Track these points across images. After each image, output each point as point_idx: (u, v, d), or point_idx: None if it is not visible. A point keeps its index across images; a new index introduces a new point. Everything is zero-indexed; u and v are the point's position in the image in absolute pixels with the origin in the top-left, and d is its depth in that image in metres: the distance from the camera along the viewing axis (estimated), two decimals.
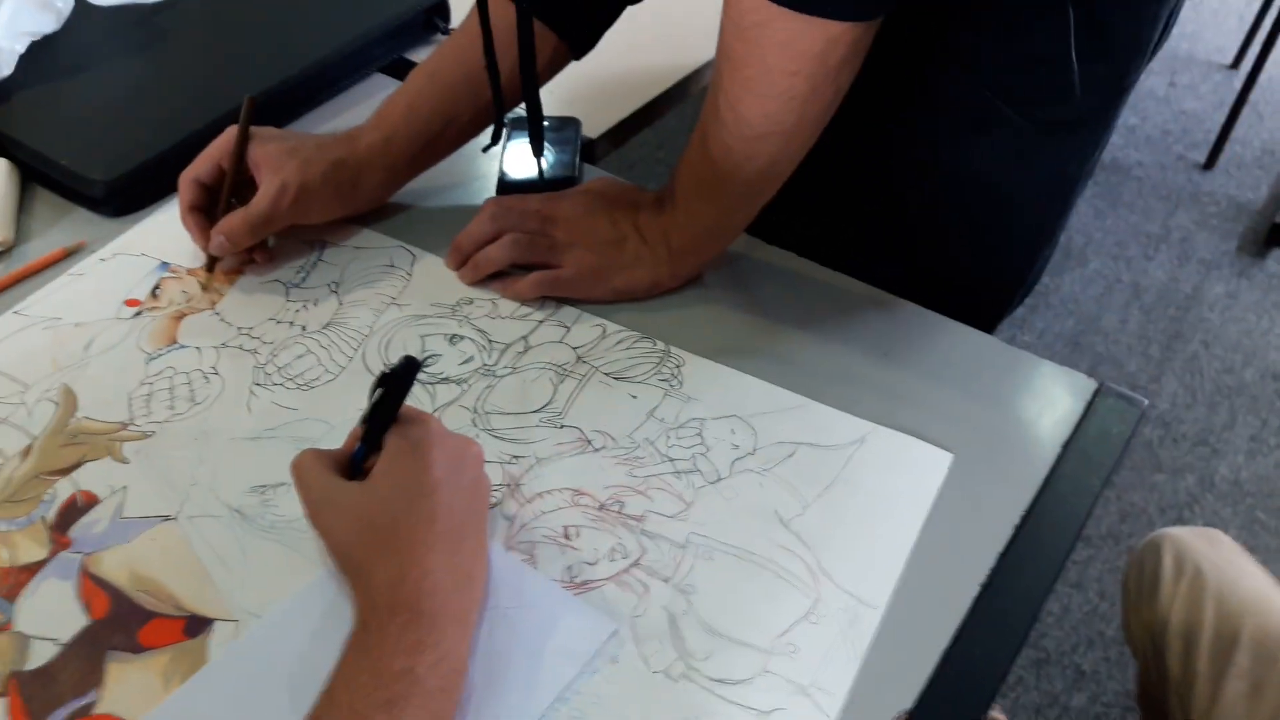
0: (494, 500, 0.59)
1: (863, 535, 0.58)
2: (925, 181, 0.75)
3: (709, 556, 0.57)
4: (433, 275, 0.73)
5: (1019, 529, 0.58)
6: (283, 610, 0.54)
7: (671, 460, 0.62)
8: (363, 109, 0.87)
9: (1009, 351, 0.69)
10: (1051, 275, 1.93)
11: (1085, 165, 0.76)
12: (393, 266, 0.74)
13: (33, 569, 0.56)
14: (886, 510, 0.59)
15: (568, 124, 0.85)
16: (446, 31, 0.95)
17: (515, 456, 0.62)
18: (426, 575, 0.48)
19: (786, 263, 0.75)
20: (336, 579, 0.54)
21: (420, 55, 0.92)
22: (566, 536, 0.58)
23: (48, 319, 0.70)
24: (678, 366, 0.67)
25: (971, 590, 0.55)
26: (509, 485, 0.60)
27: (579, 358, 0.68)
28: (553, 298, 0.71)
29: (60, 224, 0.78)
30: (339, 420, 0.64)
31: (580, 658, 0.52)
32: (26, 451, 0.62)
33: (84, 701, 0.51)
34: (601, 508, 0.59)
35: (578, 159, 0.82)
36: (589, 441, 0.63)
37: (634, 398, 0.65)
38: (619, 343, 0.69)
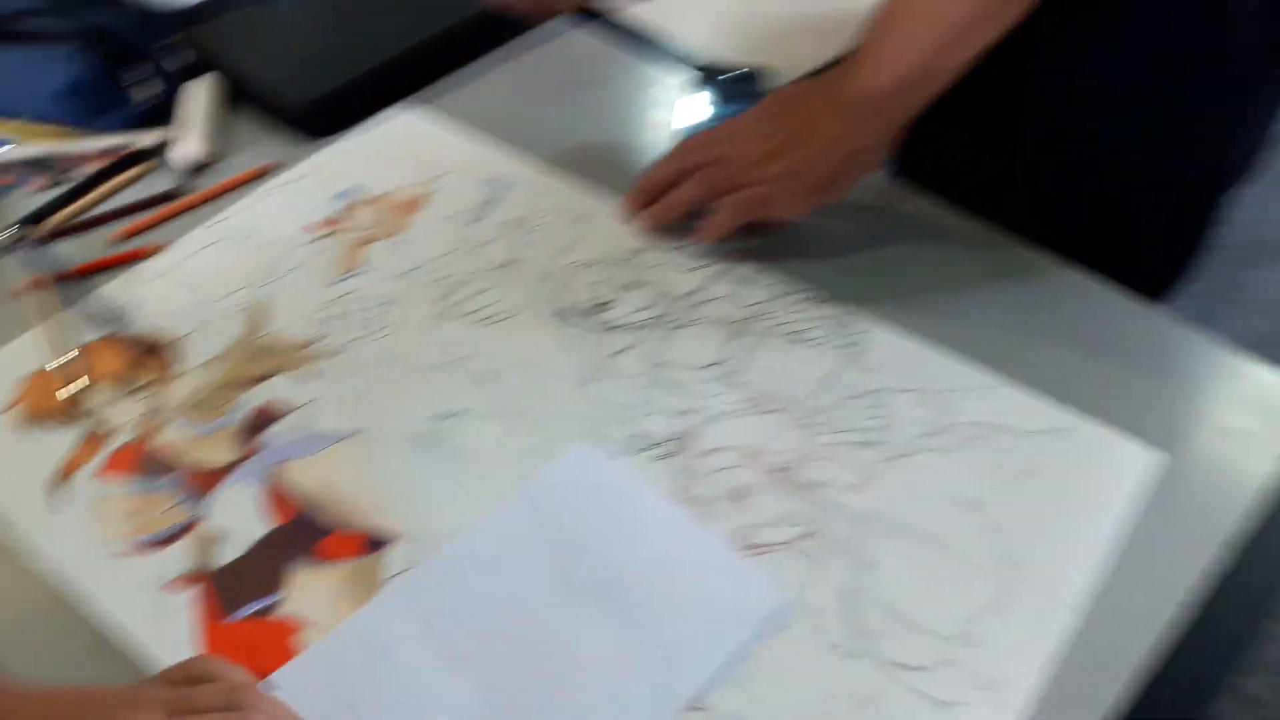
0: (665, 453, 0.59)
1: (1059, 531, 0.55)
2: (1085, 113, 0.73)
3: (889, 534, 0.55)
4: (609, 223, 0.74)
5: (1237, 546, 0.55)
6: (463, 540, 0.55)
7: (851, 430, 0.60)
8: (551, 49, 0.88)
9: (1214, 349, 0.65)
10: (1240, 269, 1.80)
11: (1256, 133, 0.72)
12: (573, 210, 0.75)
13: (221, 472, 0.59)
14: (1087, 508, 0.56)
15: (746, 77, 0.84)
16: None
17: (690, 411, 0.62)
18: None
19: (966, 229, 0.72)
20: (516, 506, 0.56)
21: None
22: (737, 497, 0.58)
23: (239, 235, 0.74)
24: (859, 332, 0.66)
25: (1174, 605, 0.52)
26: (680, 439, 0.60)
27: (755, 314, 0.67)
28: (743, 243, 0.70)
29: (259, 143, 0.81)
30: (512, 358, 0.65)
31: (750, 619, 0.51)
32: (217, 361, 0.65)
33: (270, 600, 0.53)
34: (775, 471, 0.59)
35: None
36: (764, 401, 0.62)
37: (812, 361, 0.64)
38: (797, 301, 0.68)
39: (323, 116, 0.81)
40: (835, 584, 0.53)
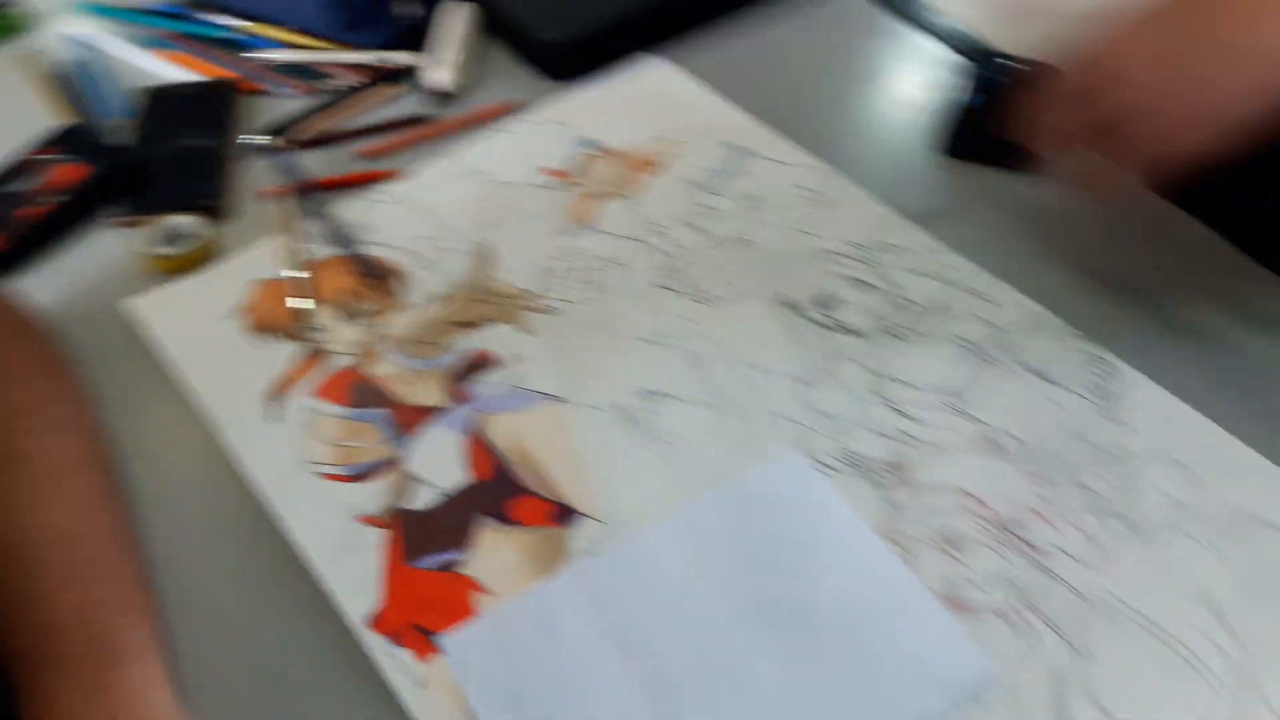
0: (877, 479, 0.55)
1: None
2: None
3: (1116, 622, 0.50)
4: (851, 210, 0.69)
5: None
6: (653, 531, 0.54)
7: (1092, 493, 0.54)
8: (816, 13, 0.83)
9: None
10: None
11: None
12: (813, 191, 0.71)
13: (427, 413, 0.59)
14: None
15: (1021, 69, 0.76)
16: None
17: (910, 437, 0.57)
18: None
19: (1267, 283, 0.63)
20: (714, 506, 0.54)
21: None
22: (949, 544, 0.53)
23: (475, 172, 0.74)
24: (1119, 380, 0.59)
25: None
26: (895, 467, 0.56)
27: (1001, 338, 0.61)
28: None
29: (508, 78, 0.80)
30: (728, 344, 0.62)
31: (949, 688, 0.47)
32: (441, 298, 0.65)
33: (454, 556, 0.53)
34: (997, 524, 0.54)
35: None
36: (995, 441, 0.57)
37: (1057, 404, 0.58)
38: (1052, 331, 0.62)
39: (571, 58, 0.79)
40: (1046, 665, 0.48)
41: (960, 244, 0.66)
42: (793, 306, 0.64)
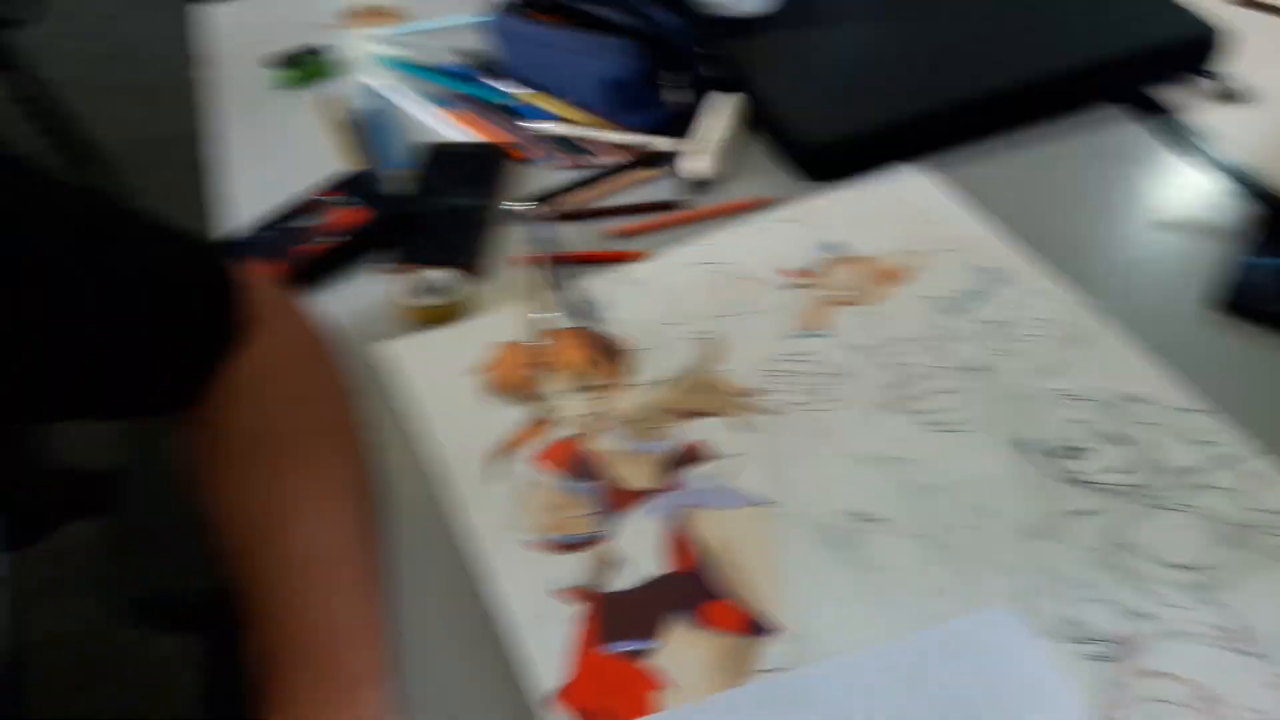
0: (1099, 654, 0.51)
1: None
2: None
3: None
4: (1108, 353, 0.65)
5: None
6: (844, 665, 0.52)
7: None
8: (1093, 138, 0.80)
9: None
10: None
11: None
12: (1066, 328, 0.67)
13: (638, 495, 0.60)
14: None
15: None
16: (1210, 77, 0.82)
17: (1141, 613, 0.53)
18: None
19: None
20: (916, 650, 0.51)
21: (1168, 94, 0.82)
22: None
23: (718, 263, 0.75)
24: None
25: None
26: (1122, 645, 0.52)
27: (1263, 524, 0.56)
28: None
29: (765, 173, 0.82)
30: (955, 479, 0.60)
31: None
32: (665, 383, 0.67)
33: (646, 645, 0.54)
34: None
35: None
36: (1241, 637, 0.52)
37: None
38: None
39: (831, 161, 0.80)
40: None
41: (1229, 411, 0.61)
42: (1028, 450, 0.61)
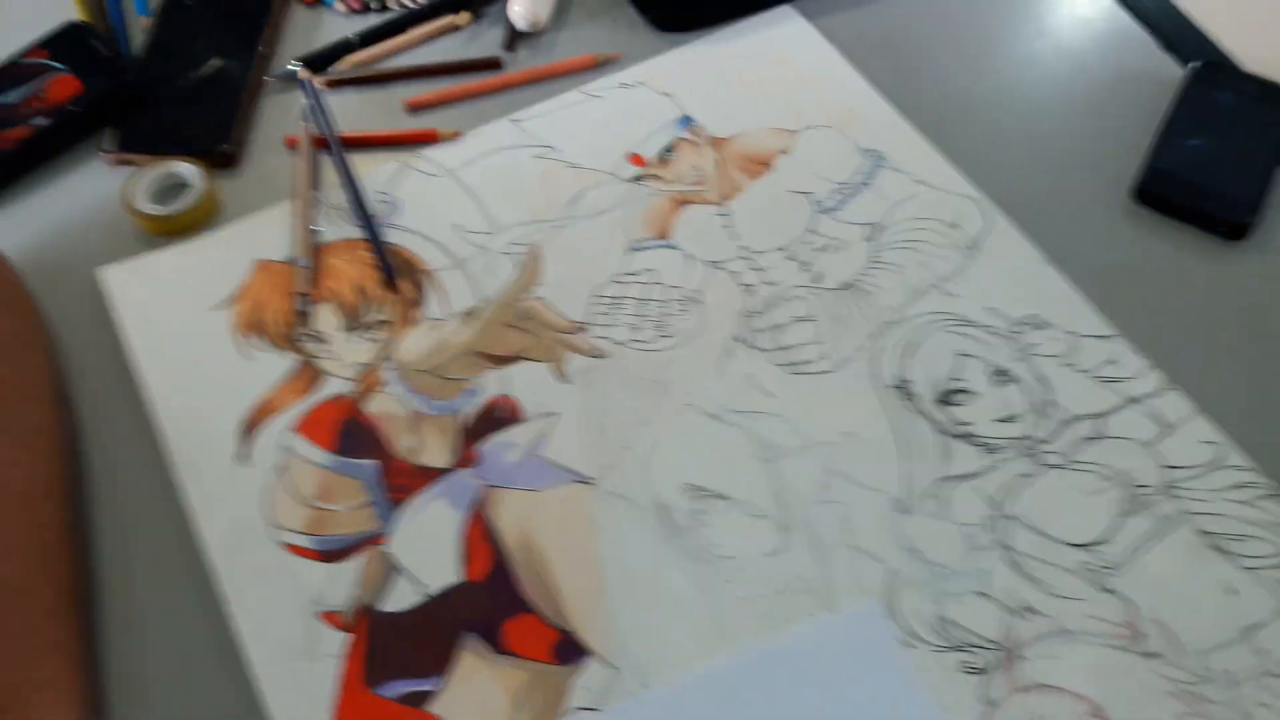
0: (977, 664, 0.44)
1: None
2: None
3: None
4: (1011, 265, 0.55)
5: None
6: (677, 692, 0.44)
7: None
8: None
9: None
10: None
11: None
12: (957, 227, 0.57)
13: (428, 476, 0.50)
14: None
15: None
16: None
17: (1030, 608, 0.46)
18: None
19: None
20: (757, 667, 0.43)
21: None
22: None
23: (542, 145, 0.62)
24: None
25: None
26: (1004, 652, 0.45)
27: (1169, 484, 0.48)
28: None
29: (605, 25, 0.67)
30: (818, 437, 0.50)
31: None
32: (471, 315, 0.55)
33: (424, 687, 0.44)
34: None
35: None
36: (1140, 634, 0.45)
37: (1237, 592, 0.46)
38: (1239, 486, 0.48)
39: (682, 5, 0.65)
40: None
41: (1141, 333, 0.52)
42: (907, 394, 0.52)
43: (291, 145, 0.62)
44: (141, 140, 0.61)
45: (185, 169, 0.59)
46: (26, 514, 0.46)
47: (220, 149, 0.61)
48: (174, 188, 0.58)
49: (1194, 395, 0.50)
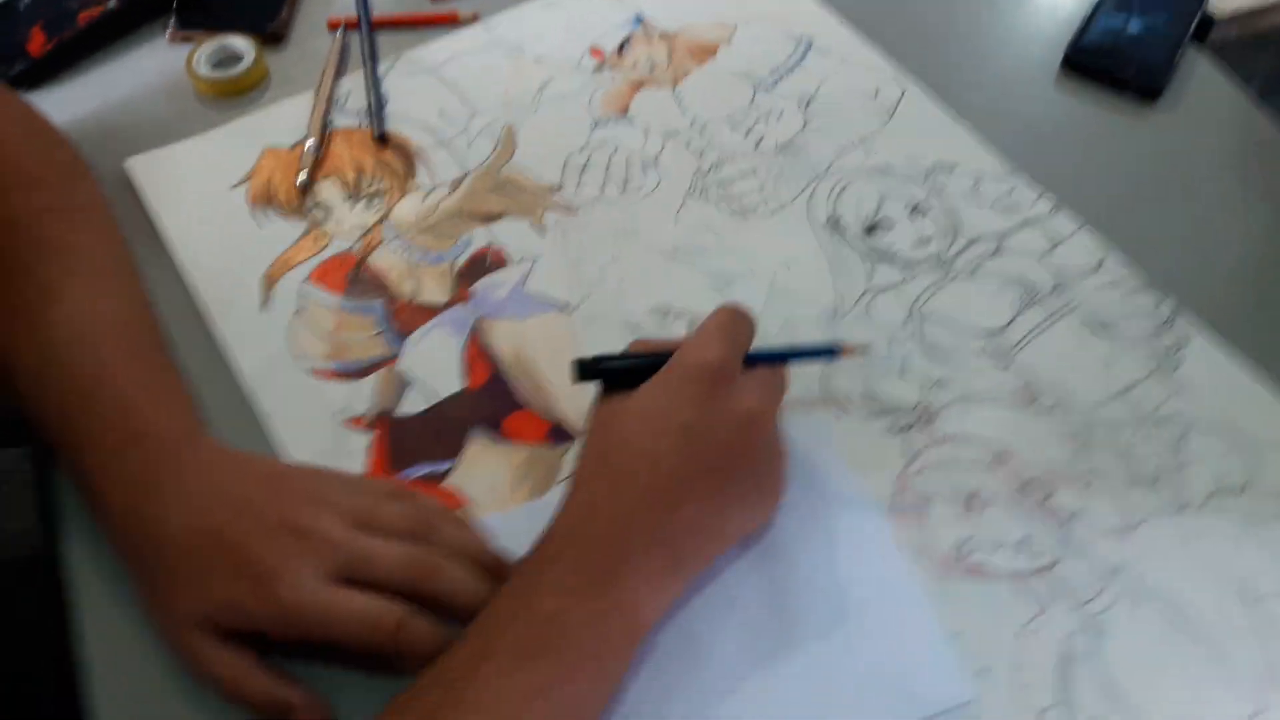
0: (901, 424, 0.56)
1: None
2: None
3: (1137, 599, 0.50)
4: (918, 120, 0.67)
5: None
6: None
7: (1133, 460, 0.54)
8: None
9: None
10: None
11: None
12: (875, 98, 0.69)
13: (429, 312, 0.61)
14: None
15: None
16: None
17: (941, 381, 0.57)
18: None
19: None
20: None
21: None
22: (968, 504, 0.53)
23: (511, 45, 0.73)
24: (1178, 338, 0.58)
25: None
26: (923, 412, 0.56)
27: (1062, 283, 0.60)
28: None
29: None
30: (762, 265, 0.62)
31: (922, 707, 0.47)
32: (457, 184, 0.66)
33: (440, 468, 0.55)
34: (1024, 484, 0.54)
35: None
36: (1036, 395, 0.57)
37: (1111, 362, 0.58)
38: (1114, 283, 0.61)
39: None
40: (1054, 640, 0.49)
41: (1045, 176, 0.64)
42: (837, 228, 0.63)
43: (332, 28, 0.73)
44: (201, 19, 0.74)
45: (239, 42, 0.71)
46: (125, 271, 0.56)
47: (269, 29, 0.73)
48: (229, 59, 0.70)
49: (1098, 222, 0.62)
